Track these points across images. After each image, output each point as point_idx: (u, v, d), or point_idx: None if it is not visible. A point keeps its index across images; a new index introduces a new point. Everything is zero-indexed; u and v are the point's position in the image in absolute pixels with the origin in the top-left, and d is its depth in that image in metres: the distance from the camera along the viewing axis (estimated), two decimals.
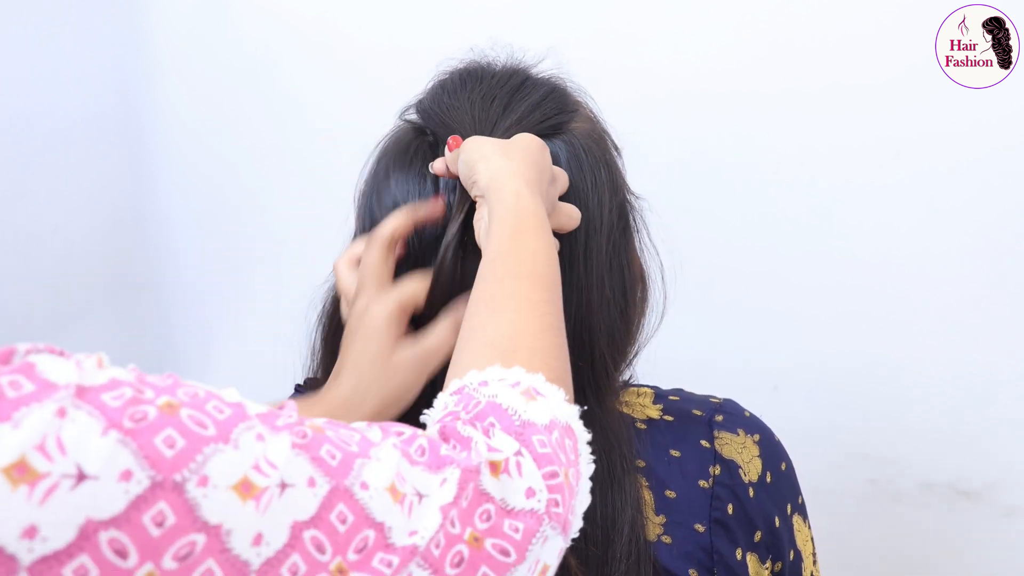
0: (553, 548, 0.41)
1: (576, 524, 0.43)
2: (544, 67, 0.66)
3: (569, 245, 0.59)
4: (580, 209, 0.59)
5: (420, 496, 0.38)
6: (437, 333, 0.57)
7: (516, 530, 0.40)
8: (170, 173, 1.54)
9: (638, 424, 0.63)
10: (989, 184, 1.04)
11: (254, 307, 1.54)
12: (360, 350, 0.56)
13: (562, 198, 0.59)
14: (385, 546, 0.37)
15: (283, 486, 0.35)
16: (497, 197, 0.53)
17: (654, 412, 0.64)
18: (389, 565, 0.37)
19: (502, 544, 0.39)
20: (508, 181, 0.53)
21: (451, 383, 0.46)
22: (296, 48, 1.40)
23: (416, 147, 0.61)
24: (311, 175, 1.44)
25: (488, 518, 0.39)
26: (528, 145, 0.57)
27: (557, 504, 0.41)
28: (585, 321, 0.59)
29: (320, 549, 0.36)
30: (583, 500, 0.43)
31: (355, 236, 0.64)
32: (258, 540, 0.34)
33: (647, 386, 0.67)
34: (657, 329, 0.66)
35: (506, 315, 0.48)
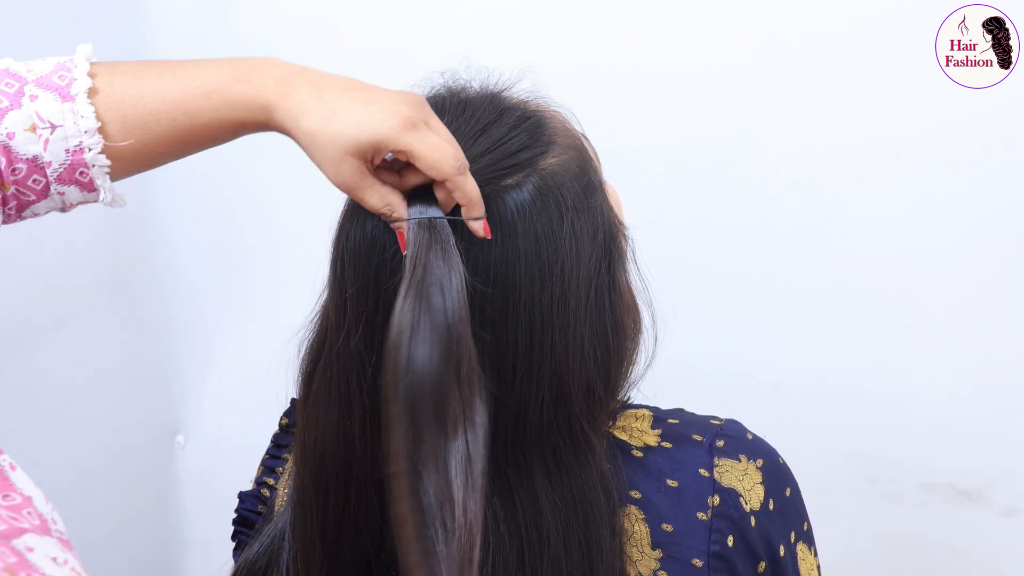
0: None
1: None
2: (522, 87, 0.61)
3: (542, 306, 0.55)
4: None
5: None
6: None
7: None
8: (169, 174, 1.54)
9: (634, 452, 0.61)
10: (989, 184, 1.04)
11: (253, 307, 1.54)
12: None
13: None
14: None
15: None
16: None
17: (651, 439, 0.62)
18: None
19: None
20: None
21: None
22: (295, 49, 1.39)
23: None
24: (310, 175, 1.43)
25: None
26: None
27: None
28: (561, 386, 0.56)
29: None
30: None
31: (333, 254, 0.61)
32: None
33: (646, 407, 0.65)
34: (653, 358, 0.63)
35: None
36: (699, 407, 0.67)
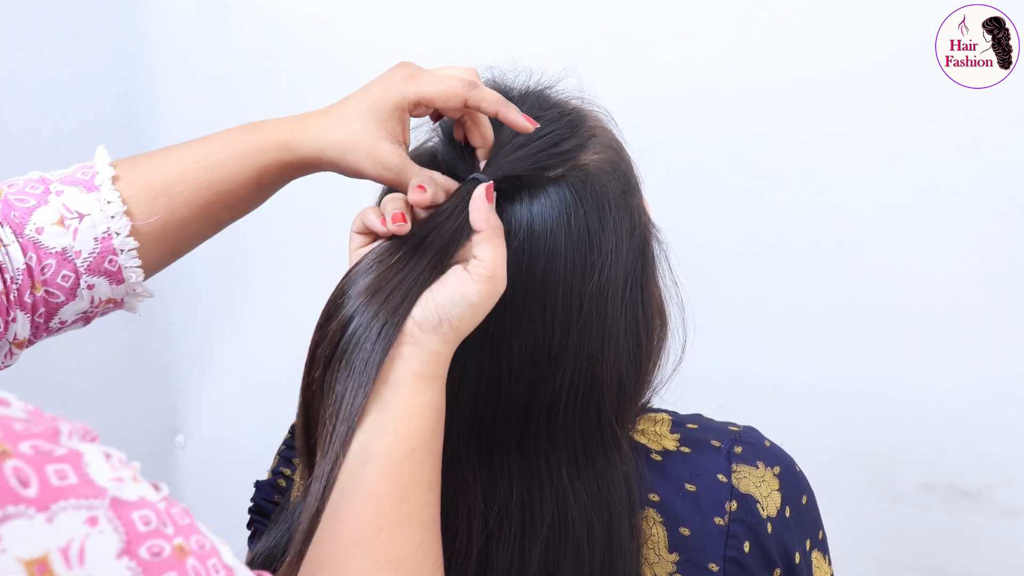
0: None
1: None
2: (565, 87, 0.63)
3: (581, 298, 0.56)
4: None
5: None
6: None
7: None
8: None
9: (653, 456, 0.61)
10: (989, 184, 1.04)
11: (254, 308, 1.54)
12: None
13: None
14: None
15: None
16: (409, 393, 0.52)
17: (670, 443, 0.62)
18: None
19: None
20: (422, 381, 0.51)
21: None
22: (295, 49, 1.40)
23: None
24: (309, 177, 1.44)
25: None
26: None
27: None
28: (595, 377, 0.57)
29: None
30: None
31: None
32: None
33: (665, 411, 0.65)
34: (679, 364, 0.64)
35: (412, 530, 0.48)
36: (698, 407, 0.67)
